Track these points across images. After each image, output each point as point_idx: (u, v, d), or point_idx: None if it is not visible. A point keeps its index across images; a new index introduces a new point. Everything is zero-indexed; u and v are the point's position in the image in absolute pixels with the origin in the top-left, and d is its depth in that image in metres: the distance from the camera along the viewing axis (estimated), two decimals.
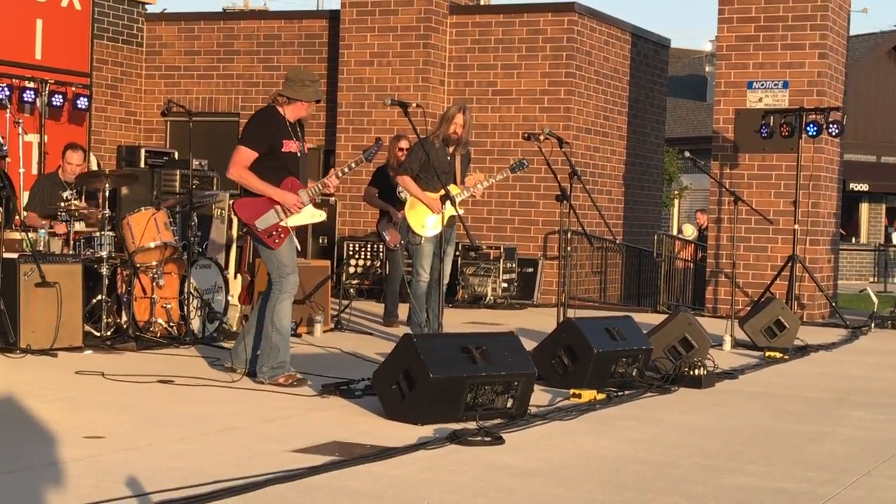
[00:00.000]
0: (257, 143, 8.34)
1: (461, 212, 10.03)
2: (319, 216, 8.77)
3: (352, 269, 16.11)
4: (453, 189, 10.42)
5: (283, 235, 8.36)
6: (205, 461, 5.98)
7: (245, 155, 8.31)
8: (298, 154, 8.53)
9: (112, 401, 7.72)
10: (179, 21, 20.13)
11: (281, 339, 8.41)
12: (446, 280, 10.81)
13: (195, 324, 10.60)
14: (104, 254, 10.16)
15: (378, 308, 13.66)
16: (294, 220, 8.40)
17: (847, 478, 6.26)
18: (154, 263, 10.48)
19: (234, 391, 8.19)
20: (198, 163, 14.68)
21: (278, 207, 8.30)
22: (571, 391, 8.36)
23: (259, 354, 8.59)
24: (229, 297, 11.05)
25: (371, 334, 11.87)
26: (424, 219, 10.38)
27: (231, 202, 9.66)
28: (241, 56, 19.24)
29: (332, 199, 15.31)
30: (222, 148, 18.29)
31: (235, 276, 11.29)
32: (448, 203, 9.44)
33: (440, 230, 9.92)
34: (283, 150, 8.42)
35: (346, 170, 9.00)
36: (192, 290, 10.58)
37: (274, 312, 8.42)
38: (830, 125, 14.93)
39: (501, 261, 16.22)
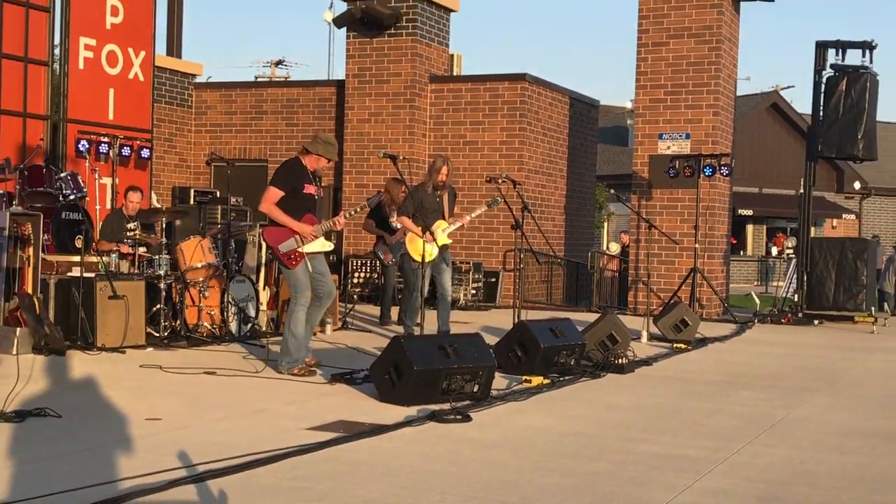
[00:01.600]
0: (284, 185, 8.37)
1: (450, 241, 10.54)
2: (329, 246, 8.77)
3: (355, 280, 16.12)
4: (443, 224, 10.55)
5: (299, 259, 8.37)
6: (239, 437, 5.98)
7: (273, 194, 8.35)
8: (315, 196, 8.59)
9: (168, 389, 7.73)
10: (221, 88, 20.11)
11: (295, 341, 8.40)
12: (449, 293, 10.94)
13: (233, 326, 10.57)
14: (162, 272, 10.15)
15: (376, 310, 13.65)
16: (309, 248, 8.41)
17: (735, 445, 6.30)
18: (201, 279, 10.47)
19: (263, 380, 8.16)
20: (235, 200, 14.68)
21: (297, 237, 8.33)
22: (524, 378, 8.37)
23: (279, 351, 8.61)
24: (259, 305, 11.03)
25: (370, 332, 11.87)
26: (420, 249, 10.36)
27: (260, 230, 9.64)
28: (268, 115, 19.23)
29: (339, 227, 15.36)
30: (254, 188, 18.25)
31: (264, 289, 11.27)
32: (440, 234, 10.06)
33: (434, 258, 10.33)
34: (303, 191, 8.47)
35: (353, 212, 9.20)
36: (230, 300, 10.58)
37: (291, 320, 8.43)
38: (722, 167, 15.00)
39: (471, 273, 16.25)
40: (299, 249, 8.35)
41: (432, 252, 10.36)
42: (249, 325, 10.73)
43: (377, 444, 5.98)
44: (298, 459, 5.47)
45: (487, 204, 10.91)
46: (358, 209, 9.13)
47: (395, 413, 6.82)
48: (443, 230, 10.61)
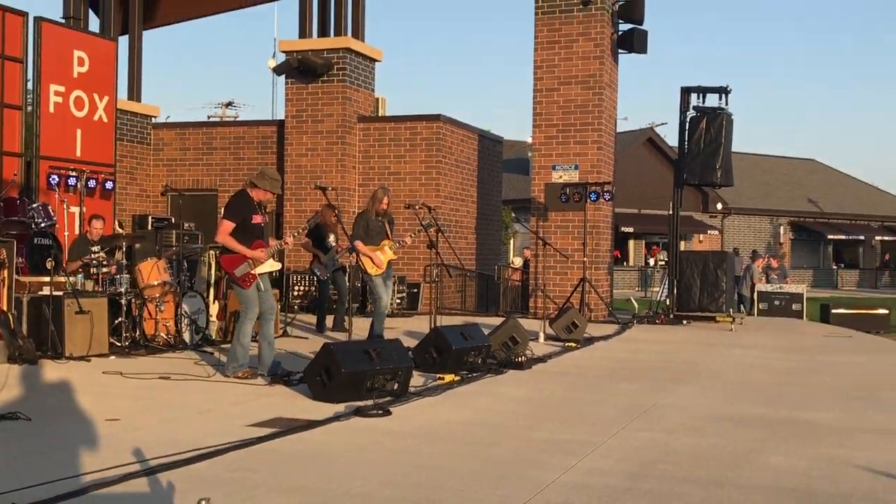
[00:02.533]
0: (235, 217, 8.25)
1: (394, 257, 10.76)
2: (277, 266, 8.71)
3: (295, 293, 15.99)
4: (388, 242, 10.58)
5: (252, 280, 8.30)
6: (188, 435, 5.87)
7: (227, 226, 8.22)
8: (262, 224, 8.49)
9: (127, 392, 7.56)
10: (176, 127, 19.79)
11: (242, 349, 8.28)
12: (387, 303, 10.84)
13: (186, 336, 10.40)
14: (122, 290, 9.98)
15: (313, 319, 13.54)
16: (260, 269, 8.33)
17: (613, 430, 6.36)
18: (157, 295, 10.30)
19: (211, 383, 8.02)
20: (188, 225, 14.51)
21: (250, 261, 8.24)
22: (438, 376, 8.36)
23: (227, 357, 8.48)
24: (209, 317, 10.87)
25: (307, 339, 11.73)
26: (373, 264, 10.45)
27: (217, 255, 9.49)
28: (218, 151, 18.97)
29: (288, 246, 15.24)
30: (205, 215, 18.11)
31: (214, 302, 11.10)
32: (387, 251, 10.49)
33: (383, 270, 10.49)
34: (252, 222, 8.33)
35: (297, 233, 9.14)
36: (183, 313, 10.42)
37: (239, 331, 8.32)
38: (605, 193, 15.20)
39: (396, 284, 16.20)
40: (252, 272, 8.27)
41: (383, 265, 10.50)
42: (200, 335, 10.57)
43: (309, 437, 5.93)
44: (239, 453, 5.40)
45: (424, 227, 10.91)
46: (300, 230, 9.19)
47: (326, 410, 6.76)
48: (389, 248, 10.65)
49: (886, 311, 20.84)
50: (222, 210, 8.60)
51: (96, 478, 4.75)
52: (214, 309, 11.09)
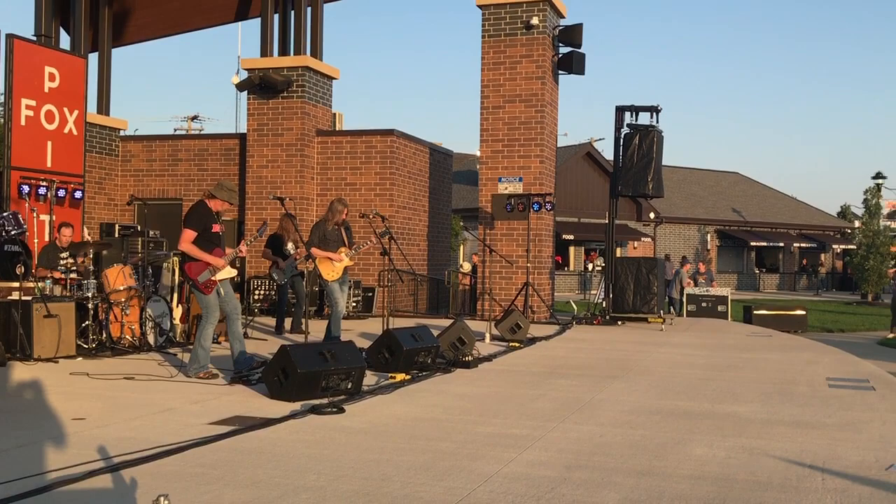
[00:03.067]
0: (196, 226, 8.19)
1: (350, 263, 10.69)
2: (234, 272, 8.61)
3: (256, 297, 15.84)
4: (345, 250, 10.51)
5: (213, 286, 8.23)
6: (151, 433, 5.78)
7: (189, 235, 8.16)
8: (220, 233, 8.41)
9: (93, 392, 7.40)
10: (143, 140, 19.48)
11: (203, 351, 8.19)
12: (343, 307, 10.71)
13: (150, 338, 10.25)
14: (89, 294, 9.80)
15: (272, 321, 13.43)
16: (220, 276, 8.27)
17: (552, 424, 6.36)
18: (123, 300, 10.13)
19: (173, 383, 7.90)
20: (153, 233, 14.29)
21: (211, 268, 8.18)
22: (389, 375, 8.34)
23: (189, 359, 8.37)
24: (173, 320, 10.72)
25: (266, 340, 11.62)
26: (330, 271, 10.40)
27: (180, 262, 9.35)
28: (183, 162, 18.74)
29: (243, 254, 15.11)
30: (170, 223, 17.87)
31: (177, 306, 10.95)
32: (343, 258, 10.44)
33: (340, 276, 10.44)
34: (212, 230, 8.28)
35: (251, 241, 9.03)
36: (148, 317, 10.26)
37: (201, 334, 8.23)
38: (547, 204, 15.29)
39: (352, 288, 16.14)
40: (213, 278, 8.20)
41: (339, 272, 10.47)
42: (164, 337, 10.42)
43: (266, 434, 5.85)
44: (199, 450, 5.32)
45: (379, 235, 10.86)
46: (253, 239, 9.09)
47: (282, 408, 6.69)
48: (345, 254, 10.59)
49: (804, 312, 21.27)
50: (185, 221, 8.47)
51: (61, 475, 4.65)
52: (178, 312, 10.94)
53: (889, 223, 42.99)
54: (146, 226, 13.54)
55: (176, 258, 11.14)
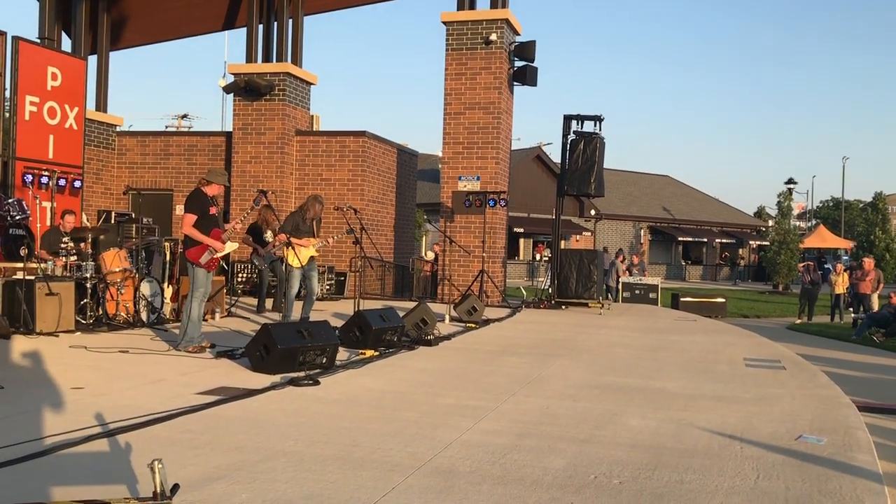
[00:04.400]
0: (196, 210, 8.12)
1: (316, 254, 10.57)
2: (235, 245, 8.60)
3: (239, 279, 15.64)
4: (315, 241, 10.42)
5: (215, 263, 8.25)
6: (143, 401, 5.69)
7: (190, 219, 8.10)
8: (217, 215, 8.34)
9: (91, 364, 7.28)
10: (137, 135, 19.09)
11: (192, 324, 8.10)
12: (315, 292, 10.67)
13: (143, 315, 10.10)
14: (88, 275, 9.61)
15: (254, 301, 13.30)
16: (221, 254, 8.28)
17: (504, 397, 6.37)
18: (118, 280, 9.96)
19: (165, 356, 7.80)
20: (146, 220, 14.05)
21: (211, 249, 8.12)
22: (360, 351, 8.31)
23: (180, 333, 8.26)
24: (164, 299, 10.56)
25: (248, 319, 11.51)
26: (296, 258, 10.27)
27: (181, 249, 9.20)
28: (174, 156, 18.43)
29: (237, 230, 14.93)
30: (162, 211, 17.59)
31: (168, 286, 10.80)
32: (311, 248, 10.33)
33: (305, 264, 10.31)
34: (209, 213, 8.21)
35: (244, 216, 8.94)
36: (141, 296, 10.09)
37: (188, 308, 8.12)
38: (501, 201, 15.31)
39: (325, 273, 16.02)
40: (216, 256, 8.19)
41: (305, 259, 10.35)
42: (156, 315, 10.26)
43: (248, 403, 5.80)
44: (188, 417, 5.25)
45: (346, 232, 10.78)
46: (247, 213, 9.07)
47: (263, 380, 6.64)
48: (313, 245, 10.48)
49: (724, 300, 21.58)
50: (183, 207, 8.37)
51: (62, 439, 4.57)
52: (168, 292, 10.79)
53: (798, 223, 43.74)
54: (140, 213, 13.32)
55: (168, 243, 10.98)
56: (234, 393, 6.08)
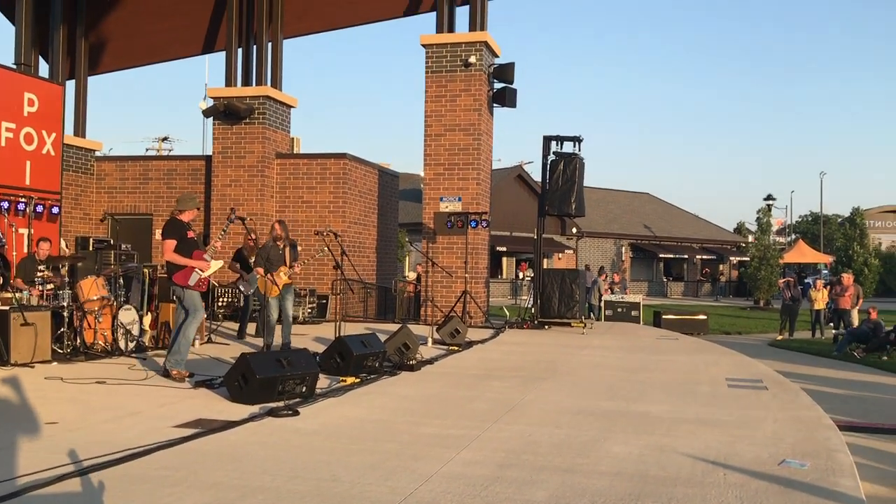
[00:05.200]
0: (175, 236, 8.15)
1: (290, 281, 10.61)
2: (220, 264, 8.57)
3: (220, 303, 15.47)
4: (285, 269, 10.37)
5: (204, 284, 8.28)
6: (120, 436, 5.56)
7: (170, 244, 8.13)
8: (195, 238, 8.36)
9: (67, 396, 7.13)
10: (116, 160, 18.95)
11: (185, 344, 8.11)
12: (290, 316, 10.67)
13: (122, 344, 9.93)
14: (65, 304, 9.46)
15: (236, 326, 13.14)
16: (207, 273, 8.25)
17: (486, 424, 6.28)
18: (96, 308, 9.81)
19: (143, 387, 7.65)
20: (125, 246, 13.90)
21: (197, 270, 8.11)
22: (341, 378, 8.20)
23: (169, 350, 8.21)
24: (143, 327, 10.41)
25: (228, 345, 11.36)
26: (270, 288, 10.38)
27: (162, 275, 9.12)
28: (153, 181, 18.28)
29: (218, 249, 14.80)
30: (141, 237, 17.43)
31: (147, 313, 10.65)
32: (282, 276, 10.37)
33: (279, 293, 10.39)
34: (188, 237, 8.23)
35: (222, 234, 8.93)
36: (119, 324, 9.93)
37: (185, 329, 8.12)
38: (482, 221, 15.30)
39: (307, 297, 15.91)
40: (203, 276, 8.18)
41: (278, 289, 10.38)
42: (135, 343, 10.11)
43: (226, 437, 5.68)
44: (164, 452, 5.14)
45: (317, 255, 10.76)
46: (225, 230, 9.06)
47: (242, 411, 6.52)
48: (284, 273, 10.44)
49: (705, 317, 21.61)
50: (161, 235, 8.32)
51: (33, 479, 4.44)
52: (147, 319, 10.64)
53: (778, 239, 44.08)
54: (118, 240, 13.18)
55: (147, 270, 10.84)
56: (212, 425, 5.96)
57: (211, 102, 17.37)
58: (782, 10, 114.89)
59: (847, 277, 20.40)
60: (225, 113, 16.83)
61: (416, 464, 5.05)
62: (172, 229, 8.16)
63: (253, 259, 12.27)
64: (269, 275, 10.28)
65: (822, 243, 54.25)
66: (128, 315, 10.15)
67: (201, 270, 8.14)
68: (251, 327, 12.69)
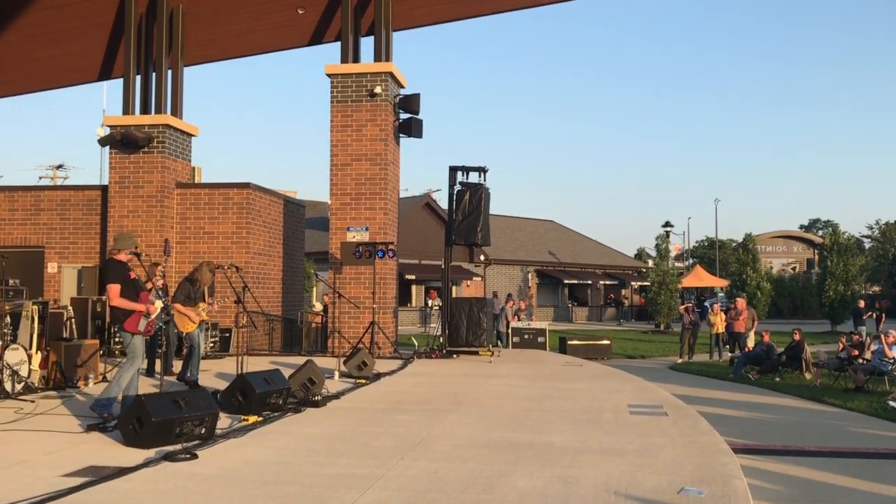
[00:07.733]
0: (117, 279, 7.81)
1: (206, 317, 10.79)
2: (161, 304, 8.22)
3: (117, 340, 14.81)
4: (203, 305, 10.57)
5: (152, 328, 7.97)
6: (0, 488, 5.21)
7: (115, 289, 7.79)
8: (138, 278, 8.05)
9: None
10: (5, 190, 17.97)
11: (118, 388, 7.76)
12: (202, 349, 10.67)
13: (7, 385, 9.34)
14: None
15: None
16: (154, 315, 7.97)
17: (392, 462, 6.19)
18: None
19: (29, 433, 7.20)
20: (12, 282, 13.17)
21: (145, 314, 7.86)
22: (242, 417, 7.95)
23: (103, 392, 7.89)
24: (31, 367, 9.84)
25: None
26: (187, 323, 10.45)
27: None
28: (45, 212, 17.46)
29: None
30: (33, 271, 16.58)
31: (36, 353, 10.08)
32: (201, 312, 10.57)
33: (196, 327, 10.53)
34: (130, 278, 7.92)
35: (163, 270, 8.65)
36: (5, 365, 9.35)
37: (121, 375, 7.79)
38: (390, 251, 15.23)
39: (209, 330, 15.43)
40: (151, 318, 7.91)
41: (196, 323, 10.54)
42: (22, 384, 9.54)
43: (118, 485, 5.39)
44: None
45: (234, 301, 10.67)
46: (161, 268, 8.90)
47: (137, 456, 6.22)
48: (203, 310, 10.57)
49: (609, 342, 22.12)
50: (105, 279, 7.94)
51: None
52: (37, 359, 10.07)
53: (677, 264, 45.67)
54: (5, 275, 12.45)
55: (35, 306, 10.30)
56: (103, 473, 5.66)
57: (108, 131, 16.79)
58: (689, 37, 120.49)
59: (741, 302, 21.27)
60: (122, 142, 16.30)
61: None
62: (113, 273, 7.81)
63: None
64: (191, 309, 10.27)
65: (718, 267, 56.58)
66: (15, 355, 9.59)
67: (149, 314, 7.86)
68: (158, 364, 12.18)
